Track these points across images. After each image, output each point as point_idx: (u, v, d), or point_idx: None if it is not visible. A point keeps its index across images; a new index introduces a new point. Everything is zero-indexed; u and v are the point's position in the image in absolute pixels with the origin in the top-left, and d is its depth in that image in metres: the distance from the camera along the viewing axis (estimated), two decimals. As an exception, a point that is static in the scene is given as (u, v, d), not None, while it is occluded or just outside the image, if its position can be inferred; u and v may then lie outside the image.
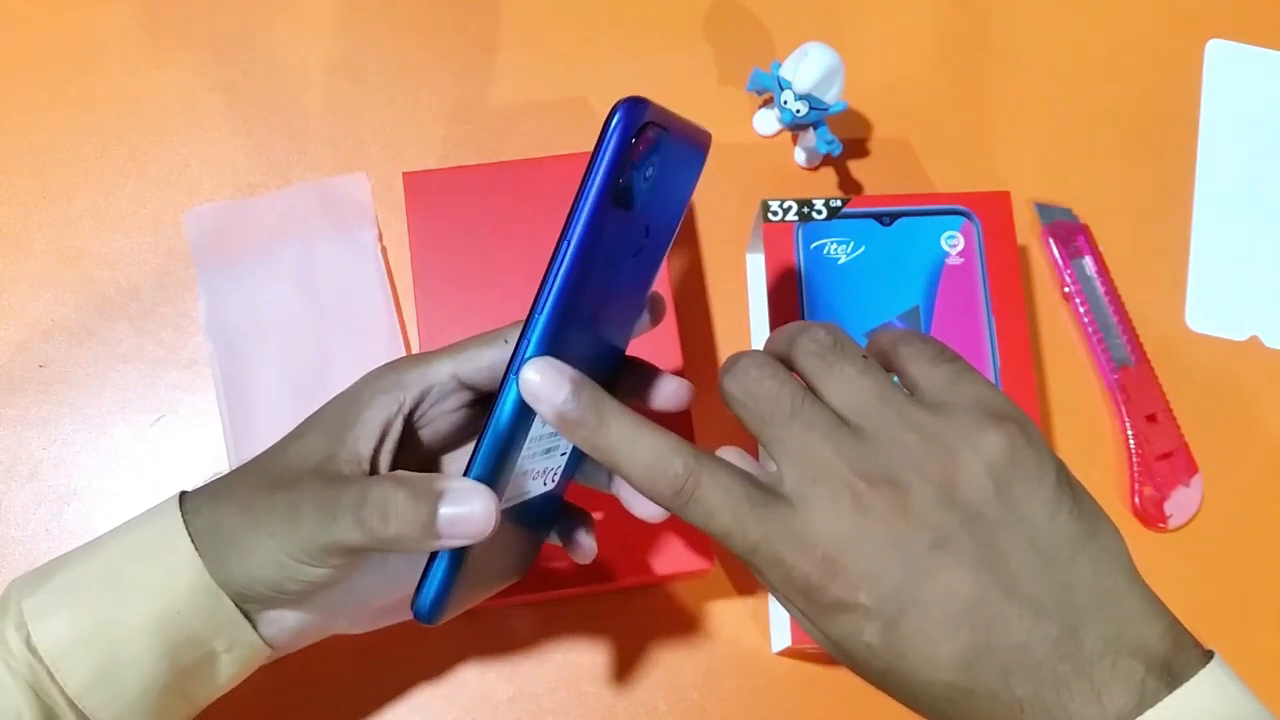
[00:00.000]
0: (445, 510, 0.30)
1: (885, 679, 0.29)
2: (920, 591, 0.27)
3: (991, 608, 0.27)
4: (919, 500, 0.28)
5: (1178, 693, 0.25)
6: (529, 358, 0.30)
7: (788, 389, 0.30)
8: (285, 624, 0.34)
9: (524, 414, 0.31)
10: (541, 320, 0.30)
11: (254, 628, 0.34)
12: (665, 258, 0.35)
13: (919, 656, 0.27)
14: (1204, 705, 0.26)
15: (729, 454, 0.32)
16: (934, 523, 0.28)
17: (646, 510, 0.35)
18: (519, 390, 0.30)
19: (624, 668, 0.47)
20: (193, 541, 0.33)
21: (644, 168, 0.30)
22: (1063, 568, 0.27)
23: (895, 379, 0.31)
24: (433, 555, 0.31)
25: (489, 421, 0.31)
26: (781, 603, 0.30)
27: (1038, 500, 0.28)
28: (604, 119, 0.29)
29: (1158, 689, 0.26)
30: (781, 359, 0.32)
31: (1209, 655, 0.27)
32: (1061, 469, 0.29)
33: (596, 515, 0.39)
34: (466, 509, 0.30)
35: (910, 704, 0.29)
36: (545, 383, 0.29)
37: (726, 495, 0.29)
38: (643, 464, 0.29)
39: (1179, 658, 0.27)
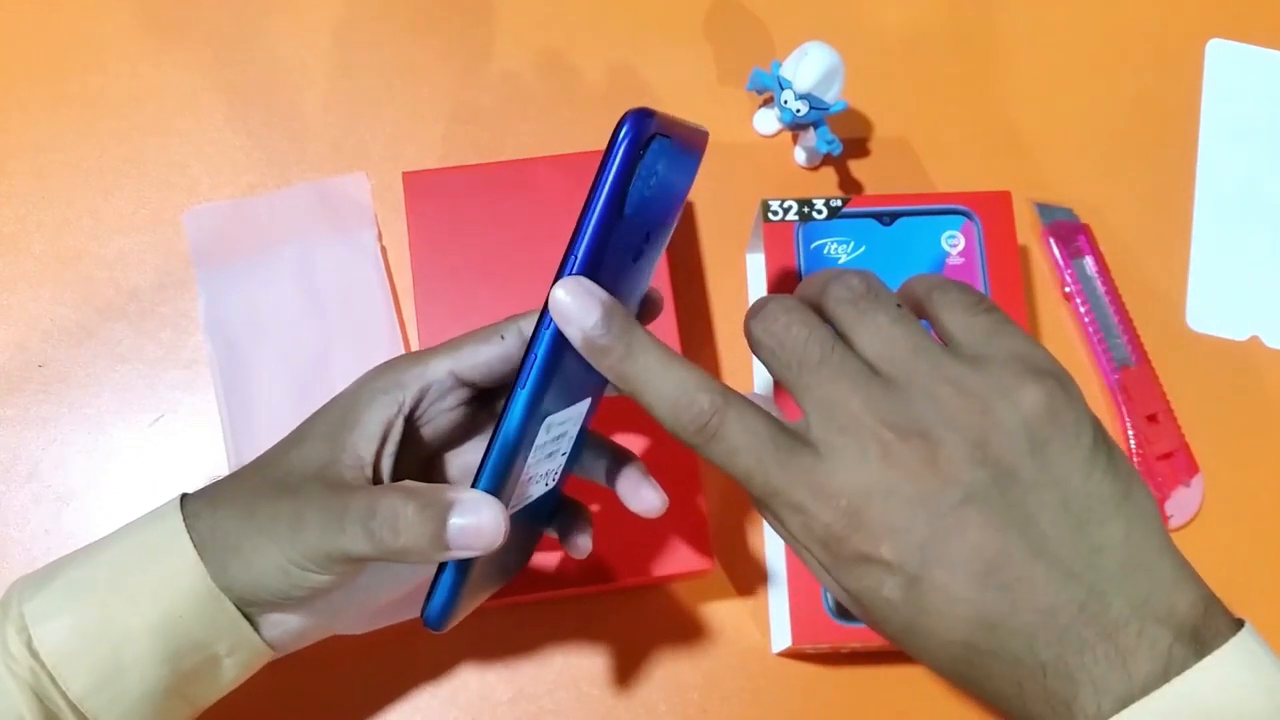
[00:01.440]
0: (455, 522, 0.30)
1: (904, 636, 0.28)
2: (946, 548, 0.27)
3: (1018, 568, 0.26)
4: (950, 455, 0.27)
5: (1205, 661, 0.25)
6: (536, 369, 0.30)
7: (817, 335, 0.29)
8: (287, 626, 0.34)
9: (531, 424, 0.30)
10: (547, 336, 0.30)
11: (256, 630, 0.33)
12: (663, 255, 0.35)
13: (941, 615, 0.27)
14: (1231, 675, 0.25)
15: (756, 398, 0.31)
16: (964, 479, 0.27)
17: (644, 504, 0.35)
18: (526, 395, 0.30)
19: (624, 668, 0.47)
20: (195, 546, 0.33)
21: (649, 178, 0.30)
22: (1094, 530, 0.27)
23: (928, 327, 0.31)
24: (441, 565, 0.31)
25: (496, 432, 0.30)
26: (798, 552, 0.30)
27: (1073, 459, 0.27)
28: (611, 131, 0.29)
29: (1185, 657, 0.25)
30: (813, 305, 0.31)
31: (1239, 624, 0.26)
32: (1099, 427, 0.28)
33: (594, 507, 0.39)
34: (475, 520, 0.30)
35: (928, 663, 0.28)
36: (576, 305, 0.29)
37: (751, 436, 0.28)
38: (668, 397, 0.29)
39: (1209, 626, 0.26)
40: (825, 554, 0.28)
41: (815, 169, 0.55)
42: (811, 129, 0.52)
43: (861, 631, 0.43)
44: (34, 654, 0.32)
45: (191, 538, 0.33)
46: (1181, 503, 0.50)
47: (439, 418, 0.35)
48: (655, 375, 0.29)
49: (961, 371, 0.28)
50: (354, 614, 0.36)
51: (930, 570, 0.27)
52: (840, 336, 0.30)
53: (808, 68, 0.49)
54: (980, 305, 0.30)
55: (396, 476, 0.34)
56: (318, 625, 0.35)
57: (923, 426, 0.27)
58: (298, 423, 0.35)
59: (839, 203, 0.48)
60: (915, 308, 0.31)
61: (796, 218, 0.48)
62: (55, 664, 0.32)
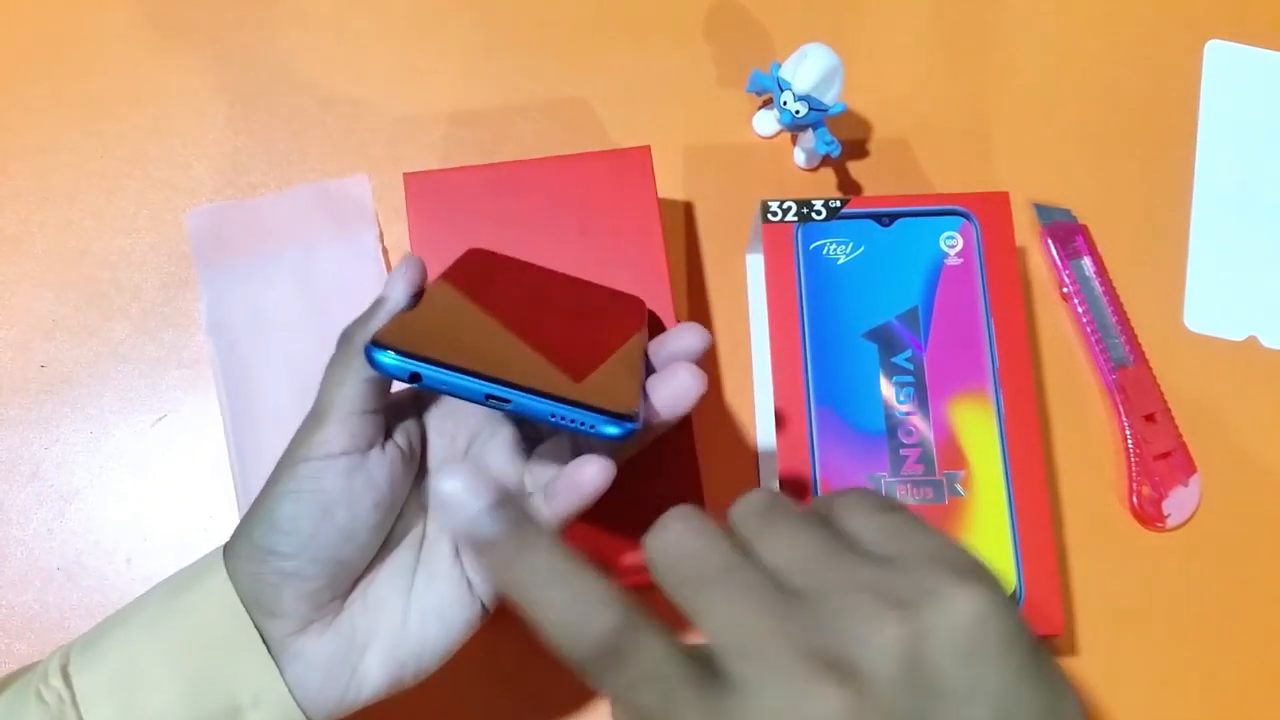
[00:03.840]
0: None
1: None
2: None
3: None
4: (876, 680, 0.23)
5: None
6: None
7: (715, 547, 0.26)
8: (310, 659, 0.33)
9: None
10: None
11: (279, 670, 0.32)
12: (662, 257, 0.35)
13: None
14: None
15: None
16: (894, 707, 0.23)
17: (582, 476, 0.33)
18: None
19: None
20: (226, 567, 0.33)
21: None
22: None
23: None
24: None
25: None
26: None
27: (1007, 667, 0.24)
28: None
29: None
30: (722, 528, 0.27)
31: None
32: (1028, 633, 0.25)
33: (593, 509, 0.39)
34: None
35: None
36: (462, 491, 0.25)
37: (659, 666, 0.24)
38: (560, 611, 0.25)
39: None
40: None
41: (814, 170, 0.55)
42: (811, 130, 0.52)
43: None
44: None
45: (225, 559, 0.33)
46: (1179, 502, 0.51)
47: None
48: (547, 582, 0.25)
49: (876, 576, 0.25)
50: (369, 633, 0.34)
51: None
52: (746, 554, 0.26)
53: (807, 69, 0.49)
54: (885, 504, 0.28)
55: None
56: (339, 651, 0.33)
57: (842, 651, 0.24)
58: (299, 420, 0.35)
59: (838, 204, 0.48)
60: (822, 520, 0.28)
61: (795, 219, 0.48)
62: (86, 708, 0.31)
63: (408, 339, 0.31)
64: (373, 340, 0.30)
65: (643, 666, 0.24)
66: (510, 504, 0.26)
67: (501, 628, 0.47)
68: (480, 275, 0.38)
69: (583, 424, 0.30)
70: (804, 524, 0.27)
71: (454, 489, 0.25)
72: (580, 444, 0.36)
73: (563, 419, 0.30)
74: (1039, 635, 0.26)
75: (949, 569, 0.25)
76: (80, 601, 0.47)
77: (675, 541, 0.26)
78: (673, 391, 0.33)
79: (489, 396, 0.30)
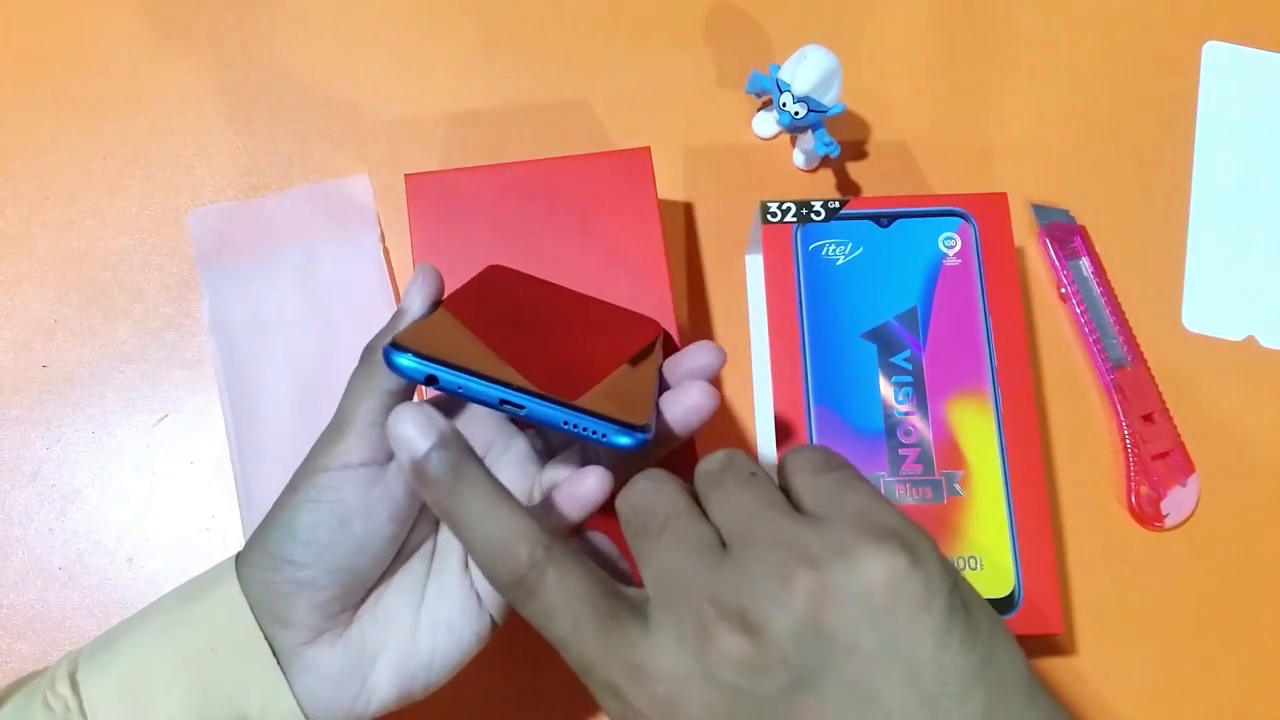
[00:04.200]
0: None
1: None
2: None
3: None
4: (775, 634, 0.24)
5: None
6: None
7: (665, 502, 0.28)
8: (320, 670, 0.33)
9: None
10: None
11: (287, 682, 0.32)
12: (662, 257, 0.35)
13: None
14: None
15: (600, 540, 0.30)
16: (793, 660, 0.24)
17: (581, 488, 0.34)
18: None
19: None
20: (238, 575, 0.33)
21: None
22: (949, 706, 0.24)
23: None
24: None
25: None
26: None
27: (922, 629, 0.24)
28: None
29: None
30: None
31: None
32: (954, 590, 0.25)
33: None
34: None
35: None
36: (413, 430, 0.28)
37: (569, 598, 0.26)
38: (486, 542, 0.27)
39: None
40: None
41: (813, 171, 0.56)
42: (810, 131, 0.52)
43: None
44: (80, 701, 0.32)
45: (237, 567, 0.33)
46: (1177, 502, 0.51)
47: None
48: (478, 517, 0.27)
49: (798, 534, 0.26)
50: (377, 641, 0.34)
51: None
52: (699, 510, 0.28)
53: (806, 70, 0.50)
54: (828, 464, 0.29)
55: None
56: (349, 663, 0.33)
57: (746, 601, 0.25)
58: (301, 421, 0.35)
59: (837, 204, 0.48)
60: (780, 479, 0.30)
61: (795, 219, 0.48)
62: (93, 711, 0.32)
63: (426, 343, 0.31)
64: (391, 343, 0.30)
65: (552, 598, 0.26)
66: (453, 445, 0.28)
67: (503, 638, 0.47)
68: (498, 290, 0.39)
69: (594, 432, 0.30)
70: (748, 484, 0.28)
71: (404, 429, 0.28)
72: (589, 457, 0.37)
73: (575, 426, 0.30)
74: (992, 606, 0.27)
75: (869, 530, 0.25)
76: (82, 601, 0.47)
77: (636, 497, 0.29)
78: (685, 408, 0.34)
79: (503, 401, 0.30)
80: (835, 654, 0.24)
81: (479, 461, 0.29)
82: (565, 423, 0.30)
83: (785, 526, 0.26)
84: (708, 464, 0.30)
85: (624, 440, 0.30)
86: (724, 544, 0.27)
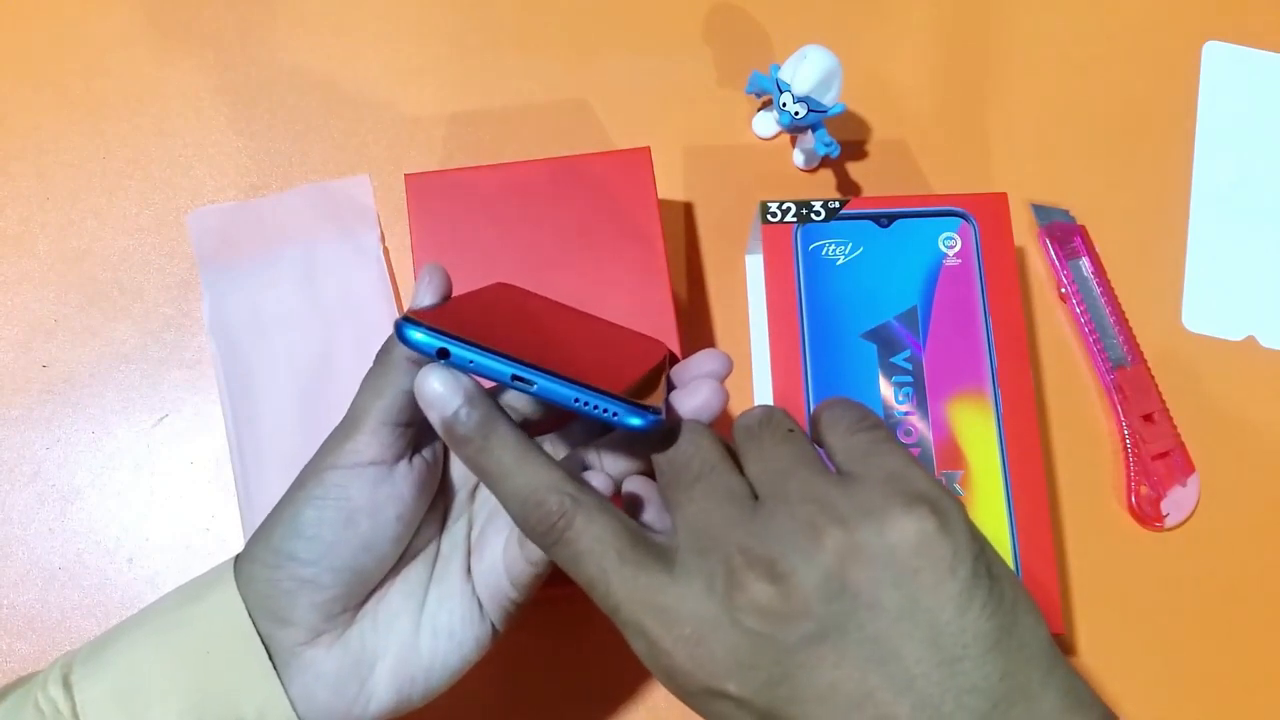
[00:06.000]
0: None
1: None
2: (798, 686, 0.25)
3: (880, 706, 0.24)
4: (801, 585, 0.25)
5: None
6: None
7: (701, 453, 0.29)
8: (318, 670, 0.32)
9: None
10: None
11: (283, 687, 0.32)
12: (662, 258, 0.35)
13: None
14: None
15: (635, 484, 0.30)
16: (817, 611, 0.25)
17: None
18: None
19: (624, 666, 0.47)
20: (236, 577, 0.33)
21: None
22: (968, 668, 0.24)
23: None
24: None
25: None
26: (656, 675, 0.28)
27: (945, 593, 0.25)
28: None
29: None
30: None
31: None
32: (980, 557, 0.26)
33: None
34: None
35: None
36: (443, 391, 0.29)
37: (596, 543, 0.27)
38: (518, 495, 0.28)
39: None
40: (671, 684, 0.27)
41: (813, 171, 0.56)
42: (810, 131, 0.52)
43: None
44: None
45: (237, 565, 0.33)
46: (1177, 502, 0.51)
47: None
48: (509, 471, 0.28)
49: (830, 491, 0.27)
50: (379, 648, 0.34)
51: (783, 708, 0.25)
52: (734, 463, 0.29)
53: (806, 70, 0.50)
54: (863, 423, 0.29)
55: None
56: (349, 665, 0.33)
57: (774, 552, 0.26)
58: (301, 421, 0.35)
59: (837, 204, 0.48)
60: (813, 430, 0.31)
61: (795, 219, 0.48)
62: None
63: (438, 319, 0.31)
64: (404, 317, 0.30)
65: (581, 544, 0.27)
66: (480, 402, 0.29)
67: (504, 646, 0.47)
68: (506, 302, 0.39)
69: (607, 411, 0.30)
70: (784, 440, 0.29)
71: (432, 387, 0.29)
72: (596, 461, 0.36)
73: (587, 404, 0.30)
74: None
75: (899, 491, 0.26)
76: (82, 601, 0.47)
77: (674, 447, 0.30)
78: (696, 406, 0.34)
79: (515, 377, 0.30)
80: (858, 609, 0.25)
81: (506, 417, 0.30)
82: (577, 400, 0.30)
83: (818, 483, 0.27)
84: (746, 419, 0.31)
85: (636, 421, 0.30)
86: (756, 497, 0.28)
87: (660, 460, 0.30)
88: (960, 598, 0.25)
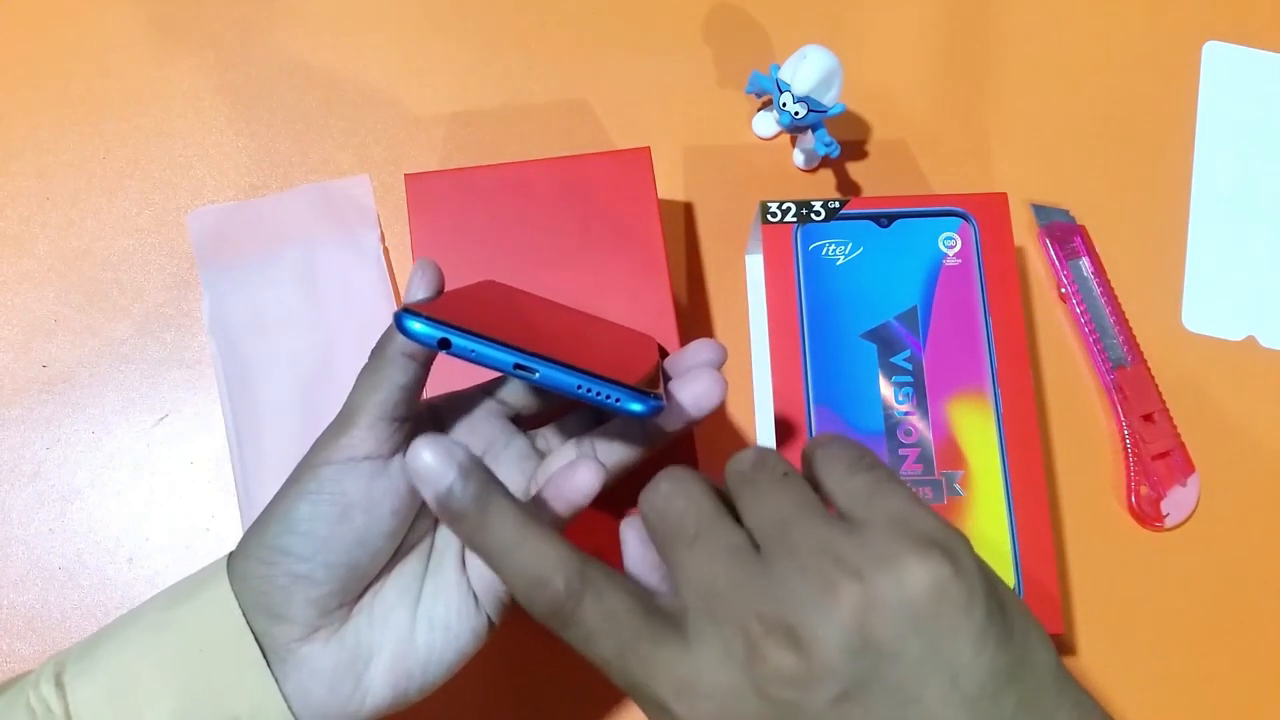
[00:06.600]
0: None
1: None
2: None
3: None
4: (822, 647, 0.24)
5: None
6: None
7: (695, 508, 0.28)
8: (313, 667, 0.32)
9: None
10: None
11: (277, 684, 0.32)
12: (662, 257, 0.35)
13: None
14: None
15: (629, 534, 0.29)
16: (842, 672, 0.24)
17: (574, 483, 0.33)
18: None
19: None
20: (229, 573, 0.33)
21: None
22: (986, 705, 0.25)
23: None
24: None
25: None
26: None
27: (963, 635, 0.25)
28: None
29: None
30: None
31: None
32: (991, 595, 0.25)
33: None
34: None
35: None
36: (434, 464, 0.28)
37: (609, 622, 0.26)
38: (521, 574, 0.27)
39: None
40: None
41: (813, 171, 0.56)
42: (810, 131, 0.52)
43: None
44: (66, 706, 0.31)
45: (231, 563, 0.33)
46: (1177, 502, 0.51)
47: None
48: (508, 548, 0.27)
49: (838, 540, 0.26)
50: (374, 643, 0.34)
51: None
52: (730, 513, 0.28)
53: (806, 70, 0.50)
54: (860, 463, 0.28)
55: None
56: (344, 661, 0.33)
57: (792, 616, 0.25)
58: (301, 421, 0.35)
59: (837, 204, 0.48)
60: (806, 469, 0.30)
61: (795, 219, 0.48)
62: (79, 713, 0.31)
63: (438, 310, 0.31)
64: (403, 308, 0.30)
65: (592, 625, 0.26)
66: (475, 474, 0.28)
67: (500, 640, 0.47)
68: (495, 294, 0.39)
69: (609, 397, 0.30)
70: (782, 484, 0.28)
71: (424, 460, 0.28)
72: (588, 455, 0.36)
73: (589, 391, 0.30)
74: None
75: (909, 536, 0.26)
76: (81, 601, 0.47)
77: (662, 500, 0.28)
78: (696, 393, 0.34)
79: (517, 366, 0.30)
80: (881, 662, 0.24)
81: (503, 489, 0.29)
82: (579, 387, 0.30)
83: (823, 533, 0.26)
84: (738, 463, 0.30)
85: (637, 406, 0.30)
86: (757, 547, 0.27)
87: (650, 515, 0.29)
88: (977, 639, 0.25)
